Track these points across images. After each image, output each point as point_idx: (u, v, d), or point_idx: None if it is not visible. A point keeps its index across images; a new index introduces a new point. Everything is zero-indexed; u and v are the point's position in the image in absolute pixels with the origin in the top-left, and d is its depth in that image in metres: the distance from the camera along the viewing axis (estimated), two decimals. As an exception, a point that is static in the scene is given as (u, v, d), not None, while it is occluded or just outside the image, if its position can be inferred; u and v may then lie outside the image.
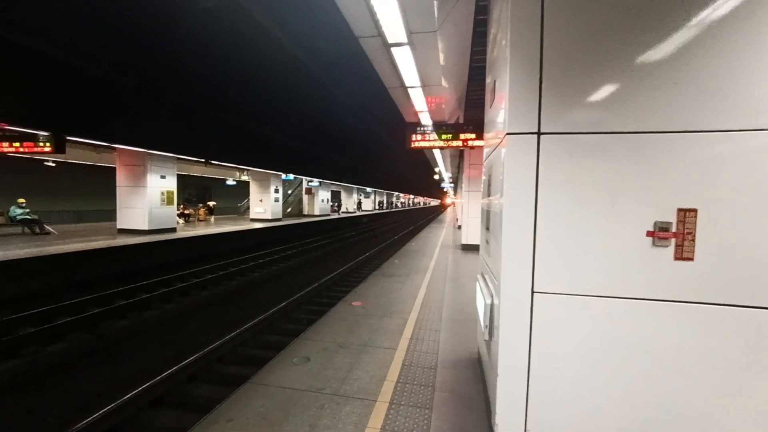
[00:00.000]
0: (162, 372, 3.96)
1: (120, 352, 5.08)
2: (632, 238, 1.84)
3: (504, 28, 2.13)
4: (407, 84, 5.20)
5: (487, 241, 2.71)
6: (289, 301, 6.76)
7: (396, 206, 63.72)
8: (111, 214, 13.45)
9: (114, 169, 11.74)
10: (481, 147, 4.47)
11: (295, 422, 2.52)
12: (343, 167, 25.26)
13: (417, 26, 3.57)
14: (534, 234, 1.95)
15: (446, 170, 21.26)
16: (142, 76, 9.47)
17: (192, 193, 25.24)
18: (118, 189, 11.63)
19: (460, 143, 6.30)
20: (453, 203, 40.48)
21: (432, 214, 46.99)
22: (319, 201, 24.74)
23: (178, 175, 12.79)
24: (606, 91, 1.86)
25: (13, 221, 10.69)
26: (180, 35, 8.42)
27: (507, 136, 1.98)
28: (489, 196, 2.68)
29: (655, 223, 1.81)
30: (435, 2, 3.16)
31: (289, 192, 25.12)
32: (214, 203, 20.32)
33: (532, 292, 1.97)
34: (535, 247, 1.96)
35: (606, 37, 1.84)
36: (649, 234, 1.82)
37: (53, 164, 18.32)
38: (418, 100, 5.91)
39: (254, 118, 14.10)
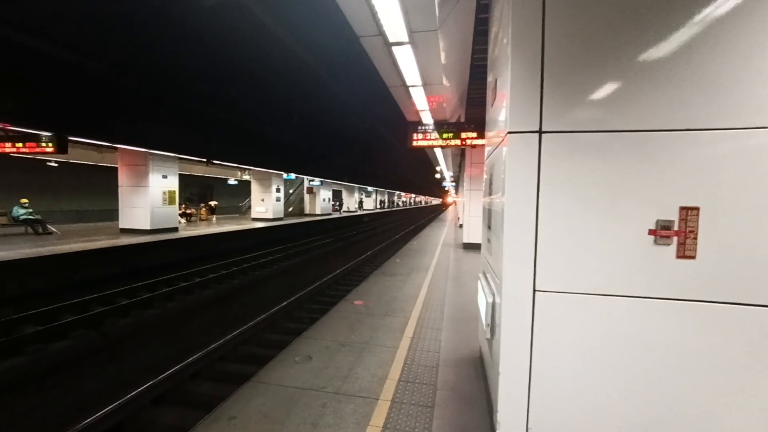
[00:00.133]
0: (165, 370, 3.98)
1: (123, 350, 5.10)
2: (634, 237, 1.84)
3: (505, 26, 2.12)
4: (408, 83, 5.19)
5: (489, 240, 2.71)
6: (291, 300, 6.78)
7: (397, 205, 63.71)
8: (113, 214, 13.52)
9: (116, 168, 11.78)
10: (483, 146, 4.47)
11: (297, 420, 2.53)
12: (345, 166, 25.25)
13: (418, 25, 3.56)
14: (535, 232, 1.95)
15: (448, 169, 21.25)
16: (143, 75, 9.47)
17: (194, 193, 25.27)
18: (120, 189, 11.67)
19: (461, 142, 6.29)
20: (454, 202, 40.47)
21: (433, 213, 46.98)
22: (320, 200, 24.75)
23: (179, 174, 12.82)
24: (607, 89, 1.85)
25: (16, 221, 10.73)
26: (181, 34, 8.42)
27: (508, 134, 1.98)
28: (490, 194, 2.68)
29: (657, 222, 1.81)
30: (436, 1, 3.15)
31: (291, 191, 25.14)
32: (216, 203, 20.35)
33: (534, 290, 1.97)
34: (537, 246, 1.96)
35: (607, 35, 1.83)
36: (650, 232, 1.82)
37: (55, 164, 18.39)
38: (420, 98, 5.90)
39: (255, 117, 14.11)
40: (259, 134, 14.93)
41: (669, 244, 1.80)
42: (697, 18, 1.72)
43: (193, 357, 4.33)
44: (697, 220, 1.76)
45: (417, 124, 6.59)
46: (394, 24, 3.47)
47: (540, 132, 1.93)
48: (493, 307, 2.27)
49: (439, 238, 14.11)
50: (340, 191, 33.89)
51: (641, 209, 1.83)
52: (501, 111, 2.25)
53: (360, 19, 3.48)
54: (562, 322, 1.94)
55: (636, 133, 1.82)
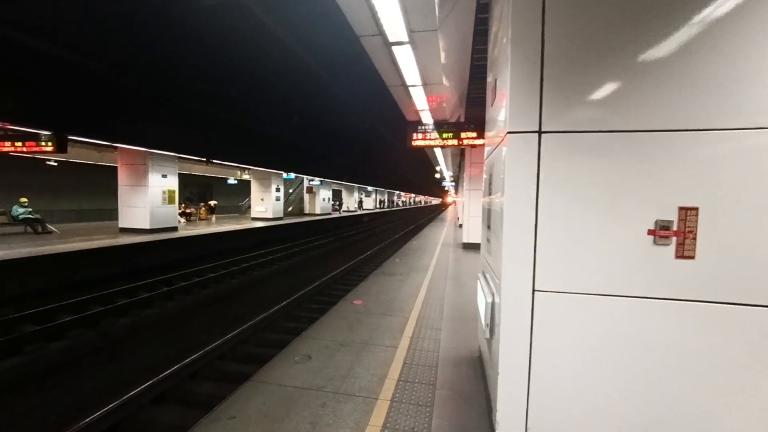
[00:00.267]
0: (164, 370, 3.98)
1: (122, 349, 5.10)
2: (633, 237, 1.84)
3: (505, 26, 2.12)
4: (408, 82, 5.19)
5: (488, 240, 2.71)
6: (291, 299, 6.78)
7: (397, 205, 63.71)
8: (112, 213, 13.50)
9: (115, 168, 11.76)
10: (482, 145, 4.47)
11: (297, 420, 2.53)
12: (344, 166, 25.27)
13: (418, 25, 3.56)
14: (535, 232, 1.95)
15: (447, 169, 21.26)
16: (143, 74, 9.48)
17: (193, 192, 25.26)
18: (119, 188, 11.65)
19: (461, 142, 6.29)
20: (454, 202, 40.47)
21: (433, 213, 46.97)
22: (320, 200, 24.75)
23: (179, 174, 12.80)
24: (607, 89, 1.85)
25: (15, 220, 10.73)
26: (181, 34, 8.42)
27: (508, 134, 1.98)
28: (490, 194, 2.68)
29: (656, 222, 1.81)
30: (436, 1, 3.15)
31: (291, 191, 25.13)
32: (216, 202, 20.35)
33: (533, 290, 1.97)
34: (536, 246, 1.96)
35: (607, 35, 1.83)
36: (650, 232, 1.82)
37: (55, 163, 18.39)
38: (419, 98, 5.90)
39: (255, 116, 14.11)
40: (259, 134, 14.93)
41: (668, 244, 1.80)
42: (697, 18, 1.72)
43: (193, 356, 4.33)
44: (696, 221, 1.76)
45: (417, 124, 6.59)
46: (393, 24, 3.47)
47: (540, 132, 1.93)
48: (492, 307, 2.27)
49: (438, 238, 14.11)
50: (340, 191, 33.89)
51: (640, 209, 1.83)
52: (500, 111, 2.25)
53: (360, 18, 3.48)
54: (562, 321, 1.94)
55: (636, 133, 1.82)
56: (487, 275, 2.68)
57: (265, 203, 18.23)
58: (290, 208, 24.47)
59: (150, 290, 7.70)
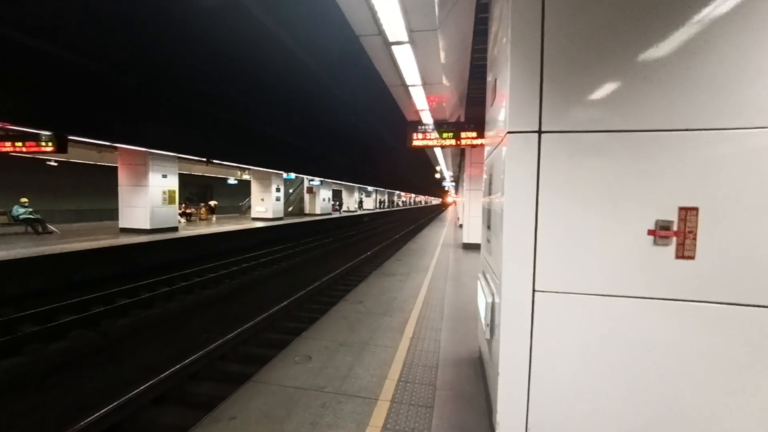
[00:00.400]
0: (165, 370, 3.98)
1: (122, 350, 5.10)
2: (633, 237, 1.84)
3: (505, 26, 2.12)
4: (408, 82, 5.19)
5: (488, 240, 2.71)
6: (291, 300, 6.78)
7: (397, 205, 63.70)
8: (113, 213, 13.51)
9: (116, 168, 11.77)
10: (482, 145, 4.47)
11: (297, 420, 2.53)
12: (345, 166, 25.27)
13: (418, 24, 3.56)
14: (535, 232, 1.95)
15: (447, 169, 21.26)
16: (143, 75, 9.47)
17: (193, 192, 25.27)
18: (119, 188, 11.66)
19: (460, 142, 6.29)
20: (454, 202, 40.45)
21: (433, 213, 46.97)
22: (320, 200, 24.75)
23: (179, 174, 12.81)
24: (607, 89, 1.85)
25: (16, 220, 10.74)
26: (181, 34, 8.42)
27: (508, 134, 1.98)
28: (490, 194, 2.68)
29: (656, 222, 1.81)
30: (436, 0, 3.15)
31: (291, 191, 25.13)
32: (216, 202, 20.35)
33: (533, 290, 1.97)
34: (536, 246, 1.96)
35: (607, 35, 1.83)
36: (650, 233, 1.82)
37: (55, 164, 18.40)
38: (419, 98, 5.90)
39: (255, 117, 14.11)
40: (259, 134, 14.93)
41: (668, 245, 1.80)
42: (697, 18, 1.72)
43: (193, 357, 4.33)
44: (697, 221, 1.76)
45: (417, 124, 6.59)
46: (393, 23, 3.47)
47: (539, 132, 1.93)
48: (492, 308, 2.27)
49: (438, 239, 14.10)
50: (340, 191, 33.88)
51: (640, 209, 1.83)
52: (500, 111, 2.25)
53: (360, 18, 3.48)
54: (562, 322, 1.94)
55: (635, 133, 1.82)
56: (487, 275, 2.68)
57: (266, 203, 18.23)
58: (290, 209, 24.48)
59: (150, 290, 7.70)
